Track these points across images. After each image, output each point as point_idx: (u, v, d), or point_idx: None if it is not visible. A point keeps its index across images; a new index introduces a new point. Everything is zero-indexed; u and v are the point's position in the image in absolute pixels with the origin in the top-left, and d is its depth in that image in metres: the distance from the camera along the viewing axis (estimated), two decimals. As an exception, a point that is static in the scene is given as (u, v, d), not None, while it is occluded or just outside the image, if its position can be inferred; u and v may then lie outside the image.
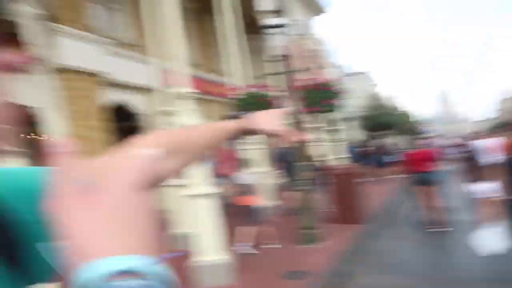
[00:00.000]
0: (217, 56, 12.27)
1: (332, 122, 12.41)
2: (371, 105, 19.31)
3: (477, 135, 11.47)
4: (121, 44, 9.76)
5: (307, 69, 8.19)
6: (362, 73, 55.60)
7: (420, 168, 7.15)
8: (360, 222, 7.39)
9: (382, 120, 18.33)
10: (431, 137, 13.59)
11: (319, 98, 6.47)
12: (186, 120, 4.51)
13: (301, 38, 18.95)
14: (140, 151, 0.43)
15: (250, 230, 5.79)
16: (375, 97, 20.06)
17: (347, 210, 7.49)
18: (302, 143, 6.44)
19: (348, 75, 46.04)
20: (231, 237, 5.52)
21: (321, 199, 8.21)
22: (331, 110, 6.82)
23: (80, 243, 0.35)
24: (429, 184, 7.04)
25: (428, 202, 7.06)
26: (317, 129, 11.14)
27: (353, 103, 21.20)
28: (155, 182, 0.43)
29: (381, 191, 11.67)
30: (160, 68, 6.56)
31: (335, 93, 6.78)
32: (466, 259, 5.01)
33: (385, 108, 19.11)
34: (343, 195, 7.58)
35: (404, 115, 30.89)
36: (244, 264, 5.14)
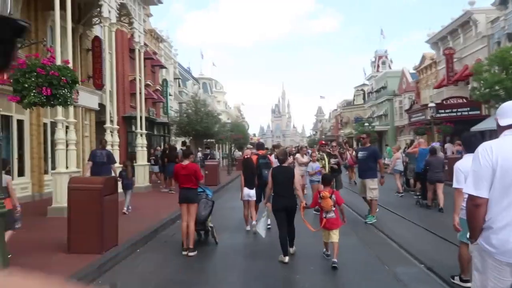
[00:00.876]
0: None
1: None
2: (191, 110, 18.41)
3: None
4: None
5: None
6: (209, 79, 56.38)
7: (184, 184, 6.61)
8: (101, 251, 5.98)
9: (200, 127, 17.67)
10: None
11: (34, 83, 4.81)
12: None
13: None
14: None
15: None
16: (200, 103, 19.14)
17: (83, 235, 6.00)
18: None
19: (193, 78, 45.66)
20: None
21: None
22: (56, 103, 5.21)
23: None
24: (188, 201, 6.56)
25: (188, 219, 6.50)
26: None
27: (177, 107, 19.97)
28: None
29: (164, 206, 10.73)
30: None
31: (66, 82, 5.23)
32: None
33: (206, 114, 18.48)
34: (79, 216, 6.06)
35: (239, 126, 31.38)
36: None
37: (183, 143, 16.24)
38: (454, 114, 25.21)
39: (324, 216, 5.75)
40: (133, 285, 5.06)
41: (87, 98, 15.87)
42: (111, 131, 13.33)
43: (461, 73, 26.54)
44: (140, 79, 17.19)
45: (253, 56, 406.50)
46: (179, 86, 35.13)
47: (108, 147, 12.97)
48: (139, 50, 16.44)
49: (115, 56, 20.55)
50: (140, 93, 16.77)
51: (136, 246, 6.91)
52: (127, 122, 21.36)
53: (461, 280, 4.77)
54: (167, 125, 22.37)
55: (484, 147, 2.61)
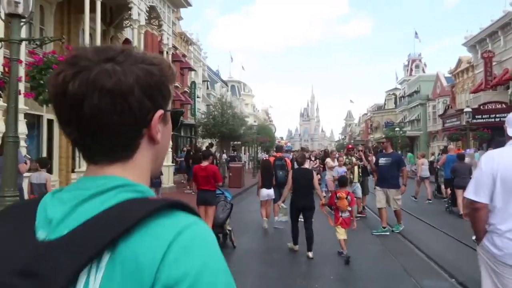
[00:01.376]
0: None
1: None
2: (218, 112, 18.37)
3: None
4: None
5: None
6: (238, 82, 56.65)
7: (203, 185, 6.57)
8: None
9: (225, 129, 17.59)
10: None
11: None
12: None
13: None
14: None
15: None
16: (226, 105, 19.09)
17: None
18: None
19: (222, 81, 45.97)
20: None
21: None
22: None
23: None
24: (206, 203, 6.53)
25: (206, 222, 6.31)
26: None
27: (205, 109, 19.89)
28: None
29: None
30: None
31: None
32: None
33: (232, 116, 18.38)
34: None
35: (265, 129, 31.14)
36: None
37: (209, 145, 16.24)
38: (492, 120, 23.94)
39: (340, 215, 6.25)
40: None
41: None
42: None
43: (501, 77, 25.24)
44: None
45: (283, 60, 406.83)
46: (207, 88, 35.43)
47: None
48: (167, 52, 16.57)
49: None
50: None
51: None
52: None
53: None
54: (193, 126, 22.49)
55: (487, 156, 2.80)
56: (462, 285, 4.96)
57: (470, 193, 2.76)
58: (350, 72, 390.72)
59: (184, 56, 26.97)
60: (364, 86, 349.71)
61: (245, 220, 9.35)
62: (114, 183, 0.65)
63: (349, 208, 6.24)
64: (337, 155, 11.97)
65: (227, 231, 6.74)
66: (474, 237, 2.98)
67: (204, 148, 15.76)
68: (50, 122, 12.91)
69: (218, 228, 6.67)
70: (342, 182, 6.78)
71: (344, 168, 10.12)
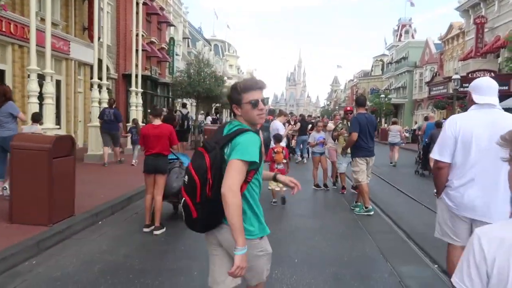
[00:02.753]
0: None
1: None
2: (194, 70, 17.03)
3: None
4: None
5: None
6: (222, 41, 54.37)
7: (154, 148, 5.48)
8: (48, 223, 5.03)
9: (202, 88, 16.38)
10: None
11: None
12: None
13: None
14: None
15: None
16: (203, 62, 17.69)
17: (27, 203, 5.04)
18: None
19: (203, 39, 43.83)
20: None
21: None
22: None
23: None
24: (156, 170, 5.51)
25: (155, 192, 5.57)
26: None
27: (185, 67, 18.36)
28: None
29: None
30: None
31: None
32: None
33: (209, 75, 17.09)
34: (24, 180, 5.08)
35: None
36: None
37: (183, 105, 15.08)
38: (479, 89, 23.26)
39: (275, 167, 7.12)
40: (71, 269, 4.06)
41: (81, 51, 14.69)
42: (99, 87, 12.16)
43: (492, 44, 24.34)
44: (138, 33, 15.83)
45: (271, 22, 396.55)
46: (188, 46, 33.60)
47: (95, 104, 11.96)
48: (137, 2, 14.97)
49: (116, 10, 19.27)
50: (138, 48, 15.42)
51: (97, 217, 5.92)
52: (128, 80, 20.21)
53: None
54: (170, 85, 21.13)
55: (451, 120, 3.07)
56: (445, 274, 4.21)
57: (435, 153, 3.09)
58: (339, 37, 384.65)
59: (162, 9, 25.07)
60: (353, 52, 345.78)
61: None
62: (236, 123, 2.17)
63: (284, 161, 7.21)
64: (328, 122, 11.17)
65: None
66: (434, 191, 3.29)
67: (180, 109, 14.63)
68: (1, 72, 11.59)
69: (173, 197, 5.78)
70: (277, 138, 7.56)
71: (322, 134, 9.26)
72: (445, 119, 20.16)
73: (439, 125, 11.27)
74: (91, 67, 15.89)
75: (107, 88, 19.41)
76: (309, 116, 23.37)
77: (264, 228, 2.21)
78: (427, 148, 11.30)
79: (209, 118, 21.68)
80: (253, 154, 2.01)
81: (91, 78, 13.14)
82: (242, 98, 2.11)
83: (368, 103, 38.35)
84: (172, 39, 27.16)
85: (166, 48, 26.42)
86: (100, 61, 16.98)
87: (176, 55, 28.31)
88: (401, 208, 7.58)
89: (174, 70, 25.95)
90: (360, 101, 7.20)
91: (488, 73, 24.13)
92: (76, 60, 14.78)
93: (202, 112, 20.14)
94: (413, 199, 8.23)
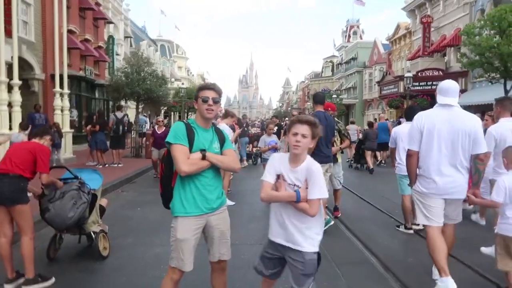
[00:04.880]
0: None
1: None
2: (133, 69, 15.18)
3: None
4: None
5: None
6: (169, 41, 52.05)
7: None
8: None
9: (141, 89, 14.60)
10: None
11: None
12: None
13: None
14: None
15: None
16: (142, 60, 15.88)
17: None
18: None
19: (149, 39, 41.48)
20: None
21: None
22: None
23: None
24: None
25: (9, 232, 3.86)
26: None
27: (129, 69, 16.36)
28: None
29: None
30: None
31: None
32: None
33: (150, 75, 15.33)
34: None
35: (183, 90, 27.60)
36: None
37: (118, 108, 13.23)
38: (429, 87, 23.34)
39: None
40: None
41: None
42: (5, 86, 10.08)
43: (439, 43, 24.59)
44: (68, 29, 13.76)
45: (223, 25, 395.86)
46: (131, 45, 31.32)
47: (3, 107, 9.89)
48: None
49: (41, 2, 16.95)
50: (61, 44, 13.36)
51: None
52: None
53: (405, 227, 5.69)
54: (108, 87, 19.02)
55: (418, 116, 3.69)
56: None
57: (405, 143, 4.06)
58: (290, 40, 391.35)
59: (98, 4, 22.81)
60: (304, 54, 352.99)
61: (144, 215, 6.89)
62: (190, 120, 2.78)
63: None
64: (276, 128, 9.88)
65: (92, 232, 4.26)
66: (408, 183, 4.05)
67: (119, 113, 12.78)
68: None
69: (75, 228, 4.18)
70: None
71: (273, 138, 8.01)
72: (401, 117, 19.85)
73: (370, 125, 13.66)
74: (19, 67, 13.70)
75: (32, 91, 17.16)
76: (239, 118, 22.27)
77: (187, 211, 2.64)
78: (360, 145, 13.28)
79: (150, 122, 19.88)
80: (169, 136, 2.61)
81: (11, 79, 11.03)
82: (198, 95, 2.71)
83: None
84: (111, 37, 24.93)
85: (105, 47, 24.15)
86: (21, 59, 14.72)
87: (117, 54, 26.08)
88: (366, 221, 6.45)
89: (115, 71, 23.75)
90: (318, 98, 5.91)
91: (437, 71, 24.35)
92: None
93: (144, 114, 18.24)
94: (375, 207, 7.16)
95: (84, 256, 4.51)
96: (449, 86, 3.62)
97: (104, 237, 4.43)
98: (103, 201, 4.73)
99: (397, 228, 5.78)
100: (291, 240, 2.46)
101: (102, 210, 4.64)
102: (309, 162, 2.45)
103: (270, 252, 2.59)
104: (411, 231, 5.57)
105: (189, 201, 2.62)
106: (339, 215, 6.52)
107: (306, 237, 2.44)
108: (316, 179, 2.38)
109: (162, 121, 11.28)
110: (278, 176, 2.46)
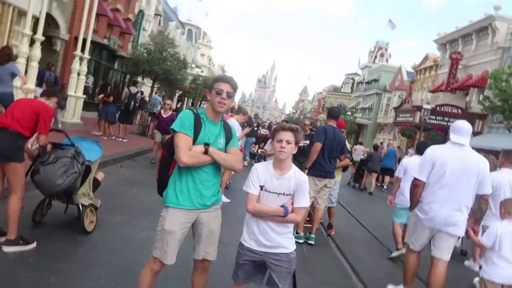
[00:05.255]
0: None
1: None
2: (156, 47, 15.11)
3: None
4: None
5: None
6: (197, 27, 52.15)
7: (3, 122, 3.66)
8: None
9: (160, 69, 14.55)
10: None
11: None
12: None
13: None
14: None
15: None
16: (166, 40, 15.82)
17: None
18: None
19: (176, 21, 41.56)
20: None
21: None
22: None
23: None
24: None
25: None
26: None
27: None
28: None
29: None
30: None
31: None
32: None
33: (171, 56, 15.26)
34: None
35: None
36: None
37: (133, 83, 13.17)
38: (445, 123, 23.03)
39: None
40: None
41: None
42: (30, 42, 10.05)
43: (464, 81, 24.28)
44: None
45: (253, 22, 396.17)
46: (159, 24, 31.33)
47: (21, 60, 9.86)
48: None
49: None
50: (92, 7, 13.33)
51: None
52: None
53: (397, 249, 5.77)
54: (128, 60, 19.00)
55: (431, 149, 3.88)
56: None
57: (415, 172, 3.90)
58: (315, 48, 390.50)
59: (134, -24, 22.85)
60: (326, 65, 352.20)
61: (140, 197, 6.80)
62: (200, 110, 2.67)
63: None
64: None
65: (80, 204, 4.18)
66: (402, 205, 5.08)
67: (133, 88, 12.73)
68: None
69: (62, 196, 4.09)
70: None
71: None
72: (410, 147, 19.65)
73: (375, 148, 14.40)
74: (37, 20, 13.70)
75: (54, 49, 17.19)
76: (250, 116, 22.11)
77: (179, 203, 2.55)
78: (361, 165, 13.75)
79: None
80: (175, 123, 2.52)
81: (34, 33, 11.03)
82: (213, 86, 2.60)
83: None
84: (141, 12, 24.95)
85: (133, 20, 24.17)
86: (48, 16, 14.71)
87: (144, 30, 26.10)
88: (358, 244, 6.31)
89: (138, 45, 23.77)
90: (334, 113, 5.84)
91: (456, 109, 24.04)
92: (15, 7, 12.49)
93: (159, 94, 18.20)
94: (369, 232, 7.01)
95: (69, 226, 4.43)
96: (463, 126, 3.82)
97: (91, 211, 4.32)
98: (99, 175, 4.64)
99: (391, 256, 5.75)
100: (274, 245, 2.52)
101: (97, 184, 4.56)
102: (296, 172, 2.57)
103: (248, 259, 2.58)
104: (403, 250, 5.36)
105: (184, 193, 2.53)
106: (332, 233, 6.40)
107: (287, 238, 2.56)
108: (304, 190, 2.54)
109: (169, 104, 10.77)
110: (261, 187, 2.52)
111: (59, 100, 4.05)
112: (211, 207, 2.66)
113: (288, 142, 2.47)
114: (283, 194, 2.51)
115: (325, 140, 5.36)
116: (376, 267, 5.35)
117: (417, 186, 3.80)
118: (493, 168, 5.49)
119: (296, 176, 2.53)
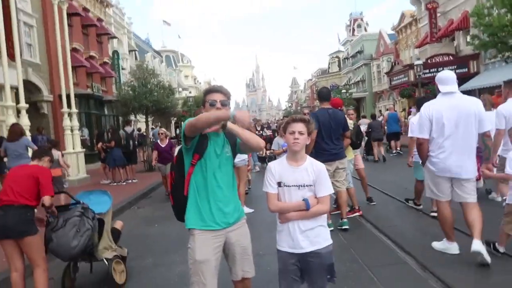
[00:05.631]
0: None
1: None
2: (140, 82, 15.06)
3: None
4: None
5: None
6: (173, 51, 52.21)
7: (8, 196, 3.56)
8: None
9: (148, 101, 14.48)
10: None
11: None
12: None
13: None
14: None
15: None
16: (147, 72, 15.77)
17: None
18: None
19: (154, 51, 41.66)
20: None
21: None
22: None
23: None
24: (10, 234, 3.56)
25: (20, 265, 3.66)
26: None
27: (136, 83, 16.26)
28: None
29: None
30: None
31: None
32: None
33: (156, 86, 15.19)
34: None
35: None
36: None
37: (126, 123, 13.10)
38: (440, 73, 22.76)
39: None
40: None
41: (-1, 72, 12.43)
42: (14, 112, 10.03)
43: (446, 28, 24.01)
44: (65, 45, 13.69)
45: (224, 30, 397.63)
46: (136, 59, 31.39)
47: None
48: (59, 6, 12.90)
49: (43, 23, 17.00)
50: (66, 63, 13.31)
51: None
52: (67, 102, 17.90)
53: (415, 204, 6.18)
54: (116, 102, 18.98)
55: (425, 106, 4.08)
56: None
57: (415, 132, 4.20)
58: (293, 39, 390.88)
59: (100, 20, 22.88)
60: (309, 52, 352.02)
61: (164, 232, 6.66)
62: None
63: None
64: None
65: (105, 260, 4.04)
66: (420, 161, 4.38)
67: (128, 128, 12.66)
68: None
69: (85, 256, 3.96)
70: None
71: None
72: (411, 107, 19.37)
73: (373, 117, 14.55)
74: (26, 91, 13.65)
75: (42, 113, 17.20)
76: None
77: (204, 223, 2.42)
78: (392, 135, 14.11)
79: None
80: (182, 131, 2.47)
81: (17, 102, 11.02)
82: (205, 99, 2.54)
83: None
84: (115, 52, 24.99)
85: (110, 62, 24.21)
86: (28, 82, 14.71)
87: (122, 69, 26.14)
88: (391, 215, 6.12)
89: (121, 85, 23.77)
90: (323, 94, 5.63)
91: (447, 57, 23.78)
92: (-8, 84, 12.49)
93: (152, 127, 18.15)
94: (394, 198, 6.82)
95: (101, 284, 4.29)
96: (448, 75, 4.04)
97: (118, 263, 4.14)
98: (118, 224, 4.51)
99: (407, 203, 6.33)
100: (308, 244, 2.46)
101: (117, 233, 4.42)
102: (313, 162, 2.54)
103: (291, 265, 2.50)
104: (421, 207, 6.08)
105: (206, 213, 2.42)
106: (361, 213, 6.21)
107: (321, 233, 2.51)
108: (323, 178, 2.50)
109: (164, 133, 9.88)
110: (279, 184, 2.49)
111: (51, 158, 3.96)
112: (237, 223, 2.54)
113: (300, 133, 2.47)
114: (304, 186, 2.47)
115: (319, 124, 5.18)
116: (417, 233, 5.16)
117: (421, 144, 4.05)
118: (488, 105, 5.76)
119: (313, 165, 2.51)
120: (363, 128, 14.58)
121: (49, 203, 3.56)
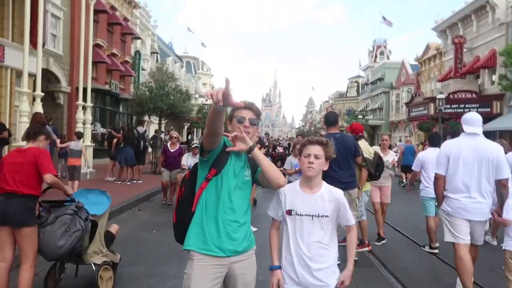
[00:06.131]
0: None
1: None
2: (157, 84, 14.99)
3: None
4: None
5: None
6: (194, 58, 52.67)
7: (9, 184, 3.45)
8: None
9: (164, 104, 14.37)
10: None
11: None
12: None
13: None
14: None
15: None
16: (166, 75, 15.72)
17: None
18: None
19: (174, 55, 42.03)
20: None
21: None
22: None
23: None
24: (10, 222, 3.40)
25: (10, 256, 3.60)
26: None
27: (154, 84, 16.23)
28: None
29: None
30: None
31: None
32: None
33: (173, 89, 15.11)
34: None
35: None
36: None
37: (139, 123, 12.98)
38: (461, 110, 22.26)
39: None
40: None
41: (20, 58, 12.47)
42: (29, 99, 9.96)
43: (472, 64, 23.61)
44: (90, 40, 13.75)
45: (248, 43, 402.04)
46: (157, 61, 31.60)
47: (23, 120, 9.72)
48: (87, 2, 12.97)
49: (71, 17, 17.19)
50: (87, 58, 13.30)
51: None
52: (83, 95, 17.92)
53: (430, 247, 5.91)
54: (132, 101, 18.98)
55: (445, 144, 4.21)
56: None
57: (433, 168, 4.27)
58: (314, 59, 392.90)
59: (126, 20, 23.12)
60: (328, 73, 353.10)
61: (159, 241, 6.37)
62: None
63: None
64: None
65: (93, 264, 3.75)
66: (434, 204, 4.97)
67: (140, 128, 12.52)
68: None
69: (71, 257, 3.69)
70: None
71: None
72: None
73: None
74: (44, 80, 13.67)
75: (58, 103, 17.24)
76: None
77: (206, 246, 2.13)
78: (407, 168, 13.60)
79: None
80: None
81: (34, 90, 10.99)
82: (233, 114, 2.29)
83: (344, 124, 37.06)
84: (137, 52, 25.17)
85: (131, 62, 24.36)
86: (47, 72, 14.75)
87: (143, 70, 26.27)
88: (402, 254, 5.73)
89: (140, 85, 23.86)
90: (330, 119, 5.27)
91: (470, 94, 23.31)
92: (12, 69, 12.53)
93: (162, 130, 17.98)
94: (406, 236, 6.42)
95: None
96: (474, 117, 4.06)
97: (106, 269, 3.84)
98: (113, 227, 4.25)
99: (423, 248, 5.97)
100: (314, 283, 2.24)
101: (111, 237, 4.15)
102: (330, 189, 2.33)
103: None
104: (436, 251, 5.73)
105: (212, 235, 2.11)
106: (370, 248, 5.82)
107: (329, 273, 2.29)
108: (345, 205, 2.31)
109: (177, 137, 9.38)
110: (290, 212, 2.28)
111: (47, 136, 3.75)
112: (243, 253, 2.22)
113: (316, 157, 2.23)
114: (318, 216, 2.22)
115: None
116: (430, 279, 4.77)
117: (438, 179, 4.07)
118: (508, 150, 5.69)
119: (331, 193, 2.29)
120: (394, 156, 14.02)
121: (50, 180, 3.36)
